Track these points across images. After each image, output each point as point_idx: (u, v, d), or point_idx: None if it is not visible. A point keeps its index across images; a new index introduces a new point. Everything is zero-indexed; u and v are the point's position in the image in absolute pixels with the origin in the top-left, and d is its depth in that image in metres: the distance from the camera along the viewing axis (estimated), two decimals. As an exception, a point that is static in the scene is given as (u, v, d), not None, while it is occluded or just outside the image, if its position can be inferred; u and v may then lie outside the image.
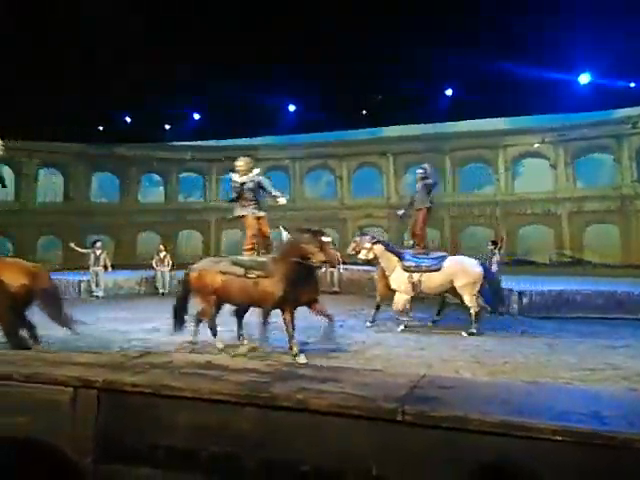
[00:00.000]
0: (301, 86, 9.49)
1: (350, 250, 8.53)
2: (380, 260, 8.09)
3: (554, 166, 17.33)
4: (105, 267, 12.58)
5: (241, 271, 6.21)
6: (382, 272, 8.15)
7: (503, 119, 15.13)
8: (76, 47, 7.09)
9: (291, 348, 6.03)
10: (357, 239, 8.52)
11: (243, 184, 6.83)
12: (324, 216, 19.75)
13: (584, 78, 8.76)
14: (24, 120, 10.41)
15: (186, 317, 6.87)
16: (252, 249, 6.83)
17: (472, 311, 7.60)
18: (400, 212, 9.21)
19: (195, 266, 6.81)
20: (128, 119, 11.37)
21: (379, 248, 8.06)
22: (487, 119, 14.34)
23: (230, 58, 7.68)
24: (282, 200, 6.97)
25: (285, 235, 13.93)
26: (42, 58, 7.29)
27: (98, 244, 12.89)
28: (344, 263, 13.68)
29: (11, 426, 2.29)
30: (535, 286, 10.13)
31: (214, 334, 6.56)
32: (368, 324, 8.24)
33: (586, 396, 2.36)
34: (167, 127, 12.10)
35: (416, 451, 1.91)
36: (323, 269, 13.34)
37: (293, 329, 6.06)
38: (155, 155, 19.52)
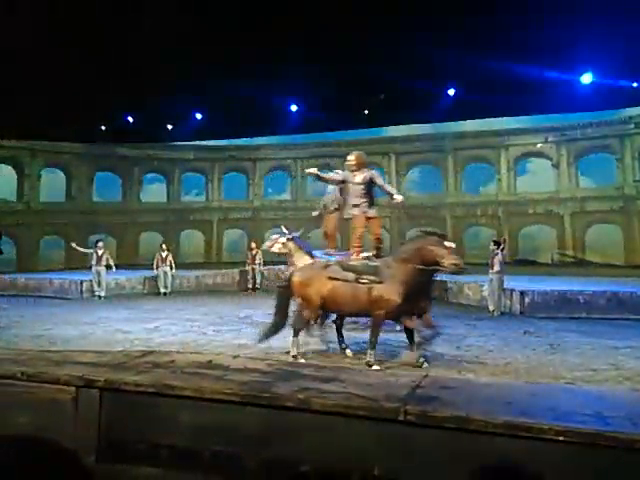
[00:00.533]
0: (302, 86, 9.49)
1: (266, 245, 8.80)
2: (293, 256, 8.42)
3: (556, 166, 17.31)
4: (108, 266, 12.60)
5: (352, 276, 5.66)
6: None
7: (505, 119, 15.13)
8: (77, 47, 7.10)
9: (369, 363, 5.55)
10: (275, 235, 8.75)
11: (340, 180, 6.37)
12: (326, 216, 19.78)
13: (586, 78, 8.74)
14: (26, 120, 10.42)
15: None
16: (359, 251, 6.19)
17: None
18: (315, 213, 9.44)
19: (299, 270, 6.32)
20: (130, 119, 11.39)
21: (292, 245, 8.38)
22: (489, 119, 14.32)
23: (231, 58, 7.68)
24: (399, 197, 6.34)
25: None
26: (43, 58, 7.31)
27: (100, 244, 12.91)
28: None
29: (14, 425, 2.29)
30: (537, 286, 10.12)
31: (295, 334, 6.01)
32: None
33: (589, 397, 2.36)
34: (169, 127, 12.12)
35: (418, 451, 1.90)
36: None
37: (377, 336, 5.59)
38: (157, 155, 19.58)
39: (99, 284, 12.48)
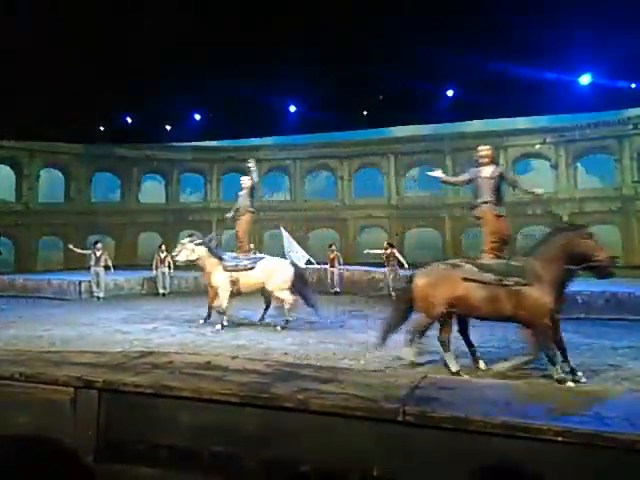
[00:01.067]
0: (302, 86, 9.50)
1: (175, 252, 8.97)
2: (203, 261, 8.64)
3: (555, 167, 17.34)
4: (107, 267, 12.60)
5: (492, 277, 5.08)
6: (208, 273, 8.75)
7: (504, 120, 15.14)
8: (77, 47, 7.10)
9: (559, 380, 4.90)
10: (184, 241, 8.94)
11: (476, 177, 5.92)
12: (324, 216, 19.79)
13: (585, 79, 8.76)
14: (25, 120, 10.42)
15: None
16: (493, 251, 5.65)
17: (286, 305, 8.39)
18: (229, 215, 9.59)
19: (425, 270, 5.67)
20: (129, 119, 11.39)
21: (202, 250, 8.59)
22: (488, 119, 14.33)
23: (230, 58, 7.68)
24: (539, 190, 6.12)
25: (286, 236, 13.94)
26: (43, 58, 7.30)
27: (99, 245, 12.92)
28: (347, 264, 13.69)
29: (12, 426, 2.29)
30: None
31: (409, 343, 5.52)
32: (201, 322, 8.65)
33: (588, 397, 2.36)
34: (168, 127, 12.12)
35: (417, 451, 1.90)
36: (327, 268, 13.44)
37: (548, 345, 5.01)
38: (156, 155, 19.57)
39: (98, 285, 12.48)
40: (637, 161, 15.91)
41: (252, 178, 9.40)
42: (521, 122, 16.32)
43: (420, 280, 5.53)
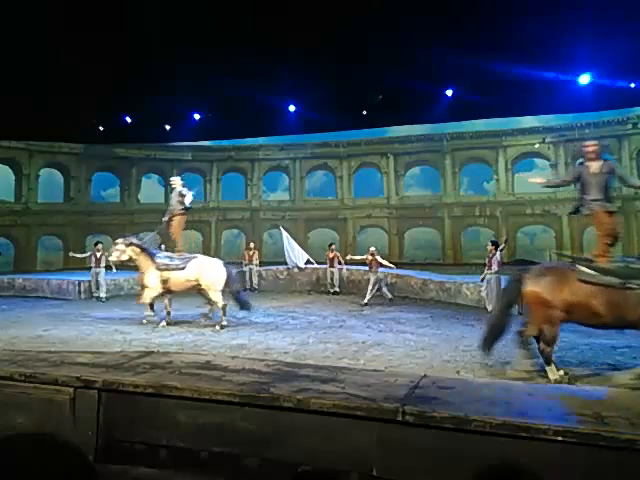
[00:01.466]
0: (301, 86, 9.49)
1: (108, 253, 9.11)
2: (138, 261, 8.70)
3: (554, 166, 17.35)
4: (108, 267, 12.60)
5: (615, 280, 4.70)
6: (142, 274, 8.82)
7: (504, 119, 15.15)
8: (76, 47, 7.10)
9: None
10: (118, 241, 8.97)
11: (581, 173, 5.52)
12: (324, 216, 19.80)
13: (584, 78, 8.76)
14: (24, 120, 10.41)
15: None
16: (607, 251, 5.30)
17: (219, 306, 8.43)
18: (165, 218, 9.65)
19: (534, 272, 5.19)
20: (128, 119, 11.38)
21: (135, 250, 8.67)
22: (487, 119, 14.34)
23: (230, 58, 7.68)
24: None
25: (286, 236, 13.84)
26: (44, 57, 7.30)
27: (99, 245, 12.93)
28: (346, 263, 13.70)
29: (12, 425, 2.29)
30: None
31: (547, 362, 5.03)
32: (144, 322, 8.68)
33: (587, 397, 2.36)
34: (167, 127, 12.10)
35: (416, 451, 1.90)
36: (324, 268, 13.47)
37: None
38: (155, 155, 19.59)
39: (97, 285, 12.49)
40: (637, 161, 15.91)
41: (186, 193, 9.43)
42: (521, 122, 16.33)
43: (531, 285, 5.07)
